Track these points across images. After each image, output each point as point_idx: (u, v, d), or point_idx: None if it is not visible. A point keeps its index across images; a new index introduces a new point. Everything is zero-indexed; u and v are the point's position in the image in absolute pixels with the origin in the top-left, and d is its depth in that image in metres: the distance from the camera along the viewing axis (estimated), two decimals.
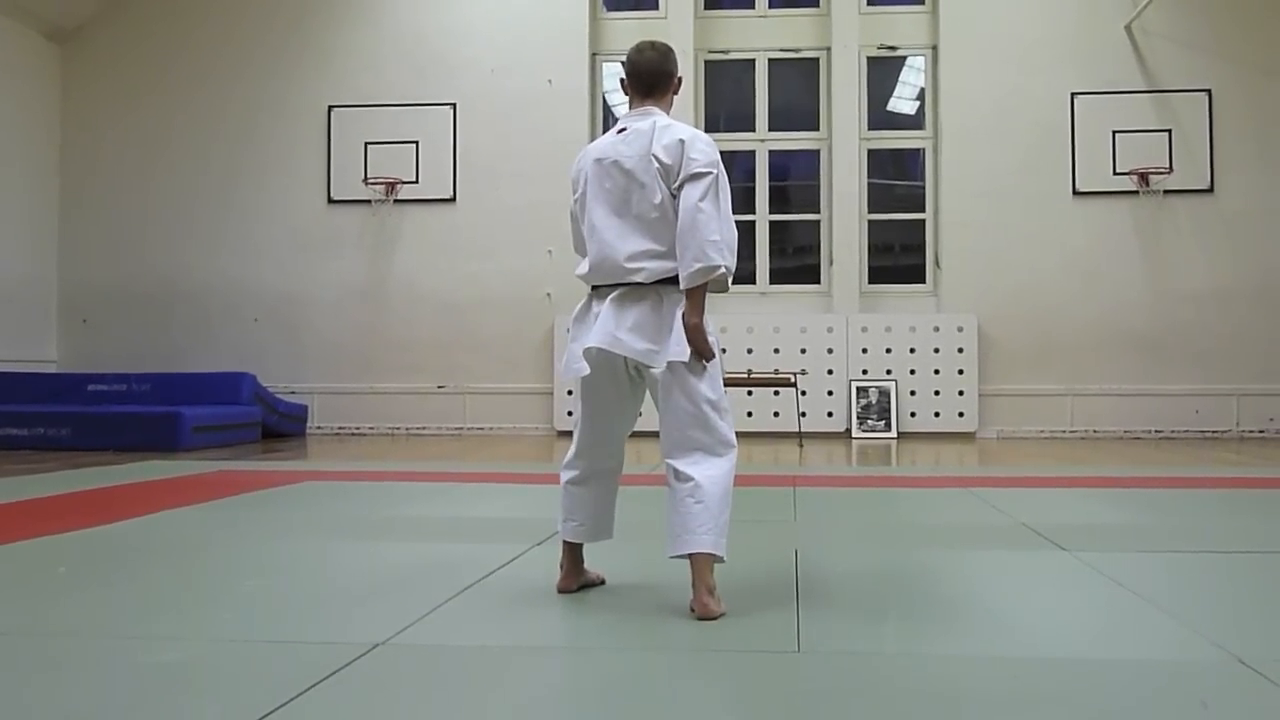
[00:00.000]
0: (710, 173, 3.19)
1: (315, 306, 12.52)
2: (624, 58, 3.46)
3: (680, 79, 3.48)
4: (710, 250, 3.11)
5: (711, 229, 3.12)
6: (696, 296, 3.18)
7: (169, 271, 12.65)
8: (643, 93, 3.40)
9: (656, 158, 3.20)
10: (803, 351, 11.77)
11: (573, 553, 3.51)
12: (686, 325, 3.18)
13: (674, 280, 3.19)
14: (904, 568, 4.07)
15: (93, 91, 12.84)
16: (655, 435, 3.34)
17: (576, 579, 3.51)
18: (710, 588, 3.14)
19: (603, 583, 3.57)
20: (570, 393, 10.20)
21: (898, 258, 12.73)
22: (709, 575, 3.15)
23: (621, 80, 3.46)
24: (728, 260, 3.15)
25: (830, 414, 11.79)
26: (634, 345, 3.20)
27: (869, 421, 11.67)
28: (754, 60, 12.67)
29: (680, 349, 3.17)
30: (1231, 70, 11.84)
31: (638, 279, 3.22)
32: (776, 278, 12.52)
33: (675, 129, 3.26)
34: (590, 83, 12.42)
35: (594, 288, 3.36)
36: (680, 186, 3.18)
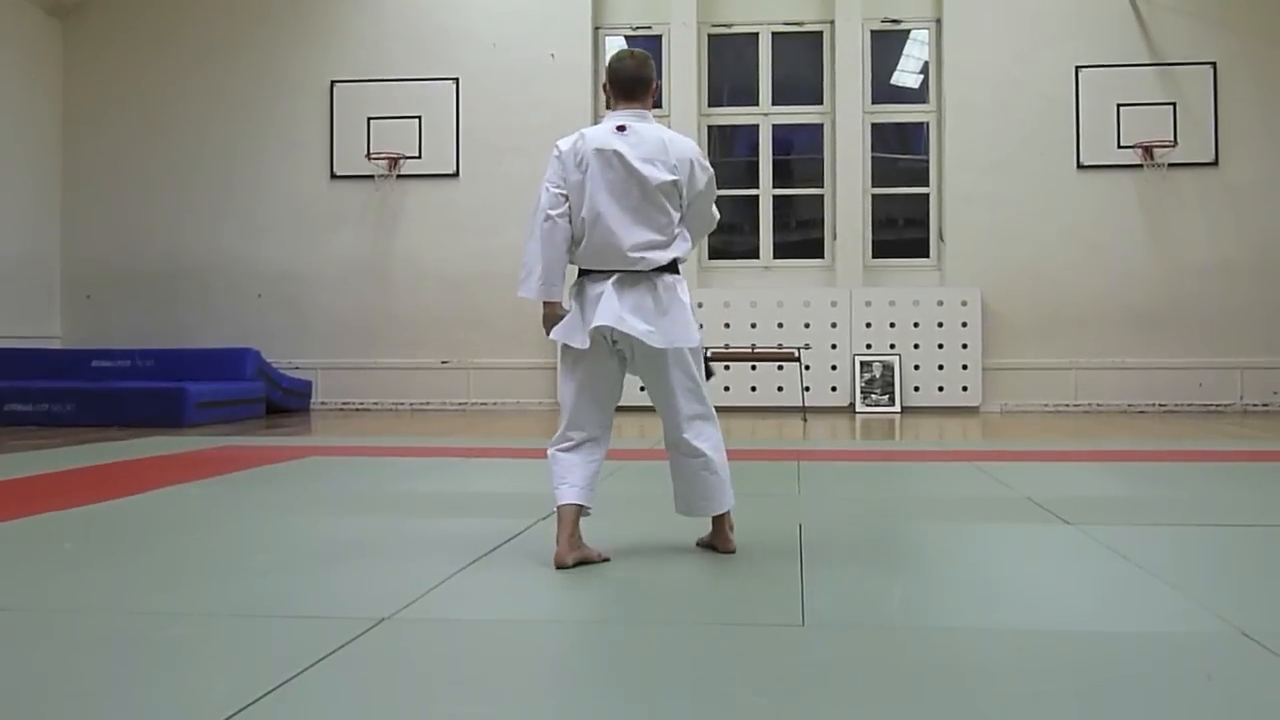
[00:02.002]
0: (712, 176, 3.68)
1: (319, 282, 12.51)
2: (606, 65, 3.78)
3: (659, 85, 3.83)
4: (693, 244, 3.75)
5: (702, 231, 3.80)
6: None
7: (172, 247, 12.64)
8: (624, 97, 3.69)
9: (674, 167, 3.55)
10: (806, 326, 11.75)
11: (573, 519, 3.51)
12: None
13: (668, 268, 3.57)
14: (908, 541, 4.08)
15: (95, 66, 12.80)
16: (652, 409, 3.69)
17: (574, 550, 3.49)
18: (731, 526, 3.72)
19: (607, 561, 3.57)
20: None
21: (901, 232, 12.70)
22: (729, 520, 3.71)
23: (604, 85, 3.77)
24: None
25: (834, 388, 11.78)
26: (637, 326, 3.48)
27: (872, 396, 11.67)
28: (757, 34, 12.59)
29: (689, 335, 3.57)
30: (1237, 43, 11.77)
31: (638, 268, 3.53)
32: (780, 252, 12.49)
33: (681, 143, 3.65)
34: (593, 57, 12.36)
35: (587, 271, 3.61)
36: (694, 197, 3.62)
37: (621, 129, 3.58)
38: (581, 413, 3.62)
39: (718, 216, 3.80)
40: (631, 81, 3.67)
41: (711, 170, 3.68)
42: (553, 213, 3.54)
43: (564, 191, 3.56)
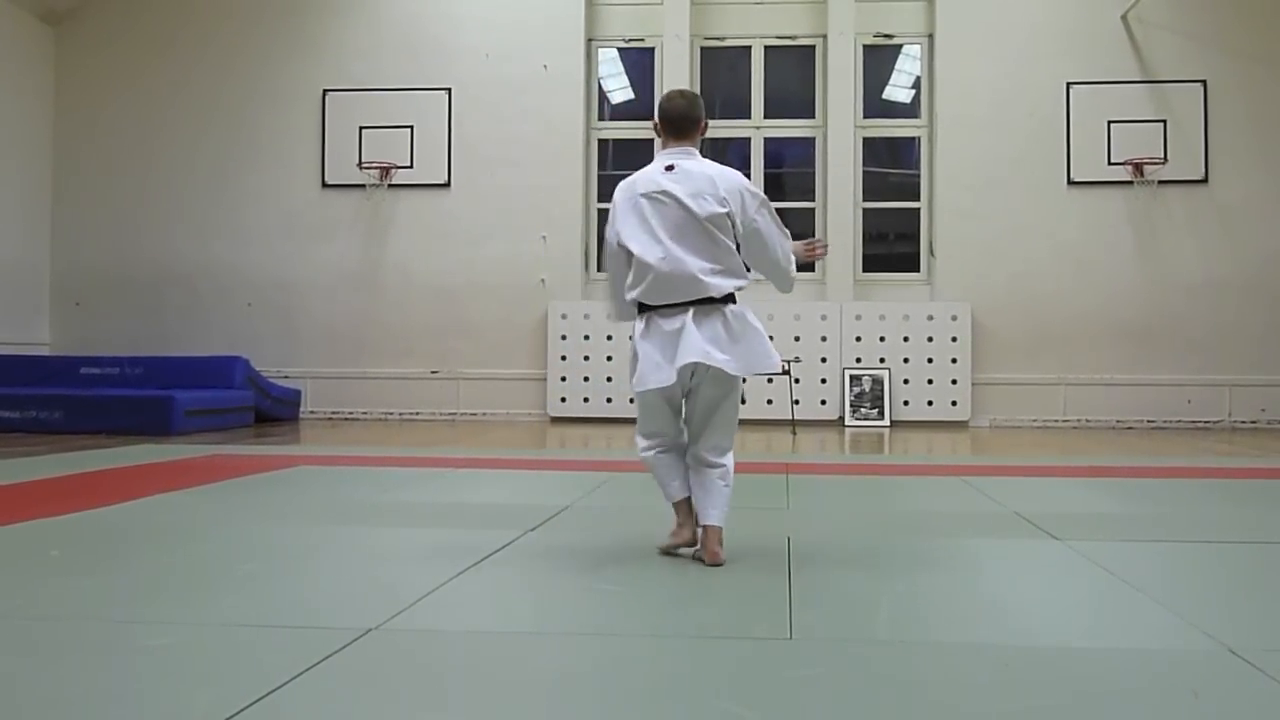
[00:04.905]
0: (764, 200, 3.83)
1: (309, 291, 12.50)
2: (657, 104, 3.95)
3: (707, 123, 3.94)
4: (786, 263, 3.92)
5: (785, 248, 3.91)
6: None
7: (162, 255, 12.62)
8: (674, 134, 3.88)
9: (723, 199, 3.69)
10: (797, 339, 11.77)
11: (687, 508, 3.82)
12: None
13: (731, 298, 3.71)
14: (896, 556, 4.07)
15: (87, 74, 12.79)
16: None
17: (691, 530, 3.80)
18: (721, 541, 3.75)
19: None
20: (564, 379, 10.35)
21: (892, 246, 12.74)
22: (720, 534, 3.76)
23: (655, 124, 3.96)
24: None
25: (824, 402, 11.79)
26: (718, 357, 3.63)
27: (862, 410, 11.69)
28: (750, 47, 12.64)
29: (768, 361, 3.70)
30: (1227, 61, 11.84)
31: (710, 294, 3.65)
32: None
33: (729, 175, 3.79)
34: (585, 69, 12.38)
35: (654, 307, 3.71)
36: (749, 221, 3.76)
37: (670, 169, 3.75)
38: (667, 428, 3.85)
39: (788, 248, 3.92)
40: (681, 120, 3.85)
41: (764, 195, 3.83)
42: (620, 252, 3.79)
43: (620, 237, 3.79)
